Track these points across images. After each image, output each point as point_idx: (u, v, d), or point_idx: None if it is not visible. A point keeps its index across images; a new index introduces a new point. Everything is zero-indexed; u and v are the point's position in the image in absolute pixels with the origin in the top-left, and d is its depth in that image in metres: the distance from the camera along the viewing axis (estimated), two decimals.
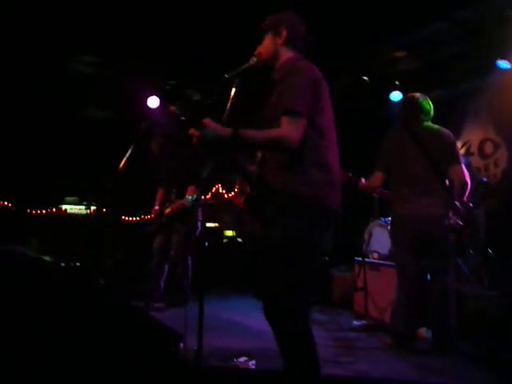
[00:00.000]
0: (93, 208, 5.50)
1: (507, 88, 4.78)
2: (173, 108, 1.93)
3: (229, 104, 2.03)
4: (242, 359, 2.74)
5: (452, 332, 3.15)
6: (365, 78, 5.50)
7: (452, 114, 3.83)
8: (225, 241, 6.26)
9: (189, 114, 1.92)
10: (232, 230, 6.51)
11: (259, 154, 2.07)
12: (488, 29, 4.44)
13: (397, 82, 5.45)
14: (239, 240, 6.39)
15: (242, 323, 3.95)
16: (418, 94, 3.44)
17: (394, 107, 5.59)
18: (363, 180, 3.48)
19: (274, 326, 1.84)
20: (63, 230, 5.47)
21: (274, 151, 1.97)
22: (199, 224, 4.38)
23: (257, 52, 2.16)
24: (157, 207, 4.60)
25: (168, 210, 4.43)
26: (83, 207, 5.58)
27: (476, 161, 5.18)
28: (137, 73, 5.56)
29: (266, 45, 2.14)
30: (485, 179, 4.41)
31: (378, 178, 3.38)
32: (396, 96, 5.45)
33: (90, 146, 6.03)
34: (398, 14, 4.50)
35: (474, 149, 5.24)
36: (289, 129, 1.82)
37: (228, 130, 1.79)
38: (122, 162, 3.96)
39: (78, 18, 4.67)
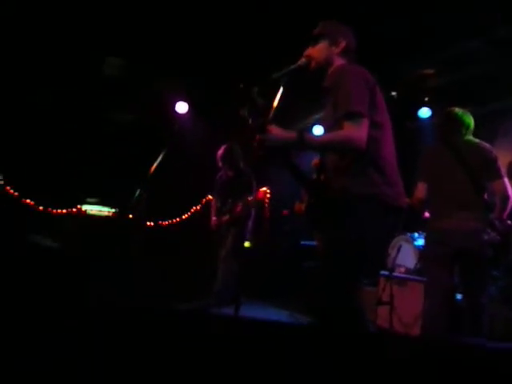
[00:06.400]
0: (115, 210, 5.48)
1: None
2: (242, 112, 1.90)
3: (275, 104, 2.02)
4: None
5: None
6: (393, 93, 5.47)
7: (481, 133, 3.79)
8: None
9: (256, 117, 1.89)
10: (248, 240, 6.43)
11: (316, 161, 2.06)
12: None
13: (426, 98, 5.43)
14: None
15: None
16: (457, 109, 3.40)
17: (422, 124, 5.58)
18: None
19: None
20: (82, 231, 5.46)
21: (341, 152, 1.96)
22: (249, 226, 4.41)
23: (307, 54, 2.17)
24: (214, 218, 4.51)
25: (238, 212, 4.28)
26: (105, 209, 5.57)
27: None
28: (165, 77, 5.60)
29: (321, 50, 2.14)
30: None
31: (421, 189, 3.30)
32: (425, 112, 5.42)
33: (115, 148, 6.05)
34: (430, 30, 4.52)
35: (503, 168, 5.17)
36: (354, 130, 1.83)
37: (293, 134, 1.83)
38: (153, 167, 3.94)
39: (106, 19, 4.73)
